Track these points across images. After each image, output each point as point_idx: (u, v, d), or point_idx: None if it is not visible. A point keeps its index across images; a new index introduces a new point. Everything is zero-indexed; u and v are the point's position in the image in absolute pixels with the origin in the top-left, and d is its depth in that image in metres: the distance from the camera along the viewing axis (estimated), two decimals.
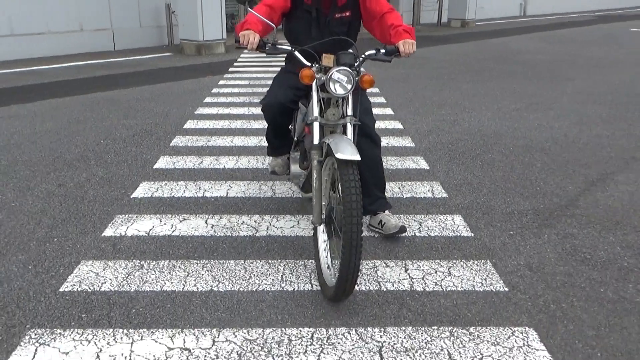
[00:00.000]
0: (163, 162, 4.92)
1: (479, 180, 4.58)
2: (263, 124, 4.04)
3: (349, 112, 2.95)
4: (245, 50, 2.71)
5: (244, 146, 5.44)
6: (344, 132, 2.95)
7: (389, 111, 6.97)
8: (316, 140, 2.91)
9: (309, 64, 2.96)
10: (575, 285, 3.03)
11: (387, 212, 3.59)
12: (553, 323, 2.69)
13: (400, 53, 2.97)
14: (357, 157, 2.53)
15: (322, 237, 2.99)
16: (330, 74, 2.75)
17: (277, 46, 2.94)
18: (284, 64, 3.64)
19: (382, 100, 7.59)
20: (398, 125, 6.31)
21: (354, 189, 2.49)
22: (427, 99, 7.75)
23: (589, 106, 7.34)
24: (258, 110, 4.40)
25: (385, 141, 5.54)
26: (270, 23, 2.96)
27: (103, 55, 12.11)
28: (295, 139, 3.69)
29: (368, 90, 3.33)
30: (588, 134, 6.02)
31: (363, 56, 2.98)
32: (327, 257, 2.91)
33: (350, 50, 2.96)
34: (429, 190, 4.33)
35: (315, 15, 3.26)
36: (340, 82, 2.76)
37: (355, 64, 2.85)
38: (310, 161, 2.99)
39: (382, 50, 3.01)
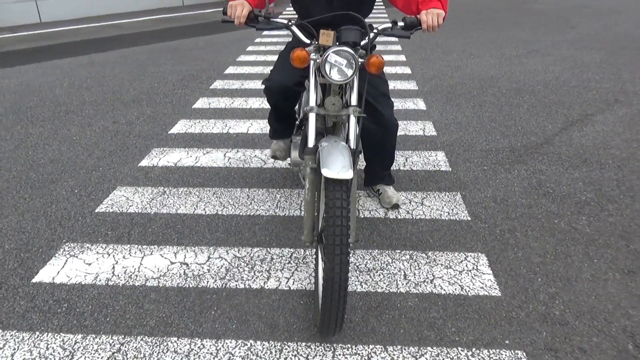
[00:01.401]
0: (201, 103, 4.81)
1: (467, 120, 4.27)
2: None
3: (353, 101, 2.02)
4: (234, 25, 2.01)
5: None
6: (347, 125, 2.05)
7: (402, 57, 6.56)
8: (311, 142, 1.97)
9: (307, 41, 2.07)
10: (532, 216, 2.81)
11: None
12: (504, 250, 2.51)
13: (423, 25, 2.02)
14: (348, 176, 1.70)
15: (320, 255, 2.01)
16: (325, 55, 1.88)
17: (272, 20, 2.05)
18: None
19: (398, 47, 7.14)
20: (407, 70, 5.93)
21: (340, 218, 1.67)
22: (438, 46, 7.24)
23: (585, 52, 6.69)
24: None
25: (392, 85, 5.24)
26: None
27: (173, 10, 11.87)
28: (298, 122, 2.83)
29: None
30: (579, 77, 5.49)
31: (375, 32, 2.03)
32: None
33: (356, 27, 1.96)
34: (421, 129, 4.07)
35: None
36: (338, 66, 1.89)
37: (362, 43, 1.96)
38: (304, 166, 1.97)
39: (400, 24, 2.04)
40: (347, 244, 1.68)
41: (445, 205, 2.92)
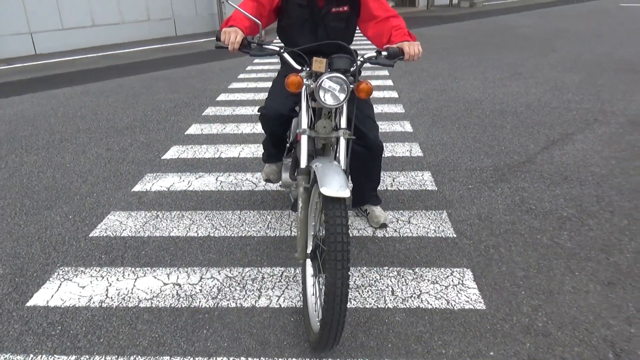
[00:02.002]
0: (193, 129, 4.90)
1: (453, 141, 4.38)
2: None
3: (343, 124, 2.12)
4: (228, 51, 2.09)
5: None
6: (337, 146, 2.15)
7: (389, 82, 6.72)
8: (303, 162, 2.07)
9: (299, 67, 2.16)
10: (516, 232, 2.88)
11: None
12: (489, 265, 2.57)
13: (405, 55, 2.14)
14: (347, 194, 1.77)
15: (309, 271, 2.17)
16: (320, 81, 1.96)
17: (264, 46, 2.11)
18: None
19: (385, 73, 7.32)
20: (394, 94, 6.07)
21: (340, 235, 1.73)
22: (424, 71, 7.42)
23: (566, 74, 6.88)
24: None
25: (380, 109, 5.36)
26: (257, 20, 2.16)
27: (166, 39, 12.08)
28: (288, 144, 2.90)
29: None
30: (559, 98, 5.65)
31: (361, 59, 2.12)
32: (313, 294, 2.11)
33: (346, 55, 2.06)
34: (407, 150, 4.17)
35: (308, 9, 2.44)
36: (331, 91, 1.98)
37: (352, 69, 2.05)
38: (297, 186, 2.09)
39: (384, 53, 2.15)
40: (347, 259, 1.74)
41: (431, 223, 2.99)
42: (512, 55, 8.42)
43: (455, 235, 2.84)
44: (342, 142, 2.08)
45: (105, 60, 9.27)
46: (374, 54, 2.15)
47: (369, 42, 8.56)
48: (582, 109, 5.21)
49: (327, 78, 1.96)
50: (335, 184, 1.79)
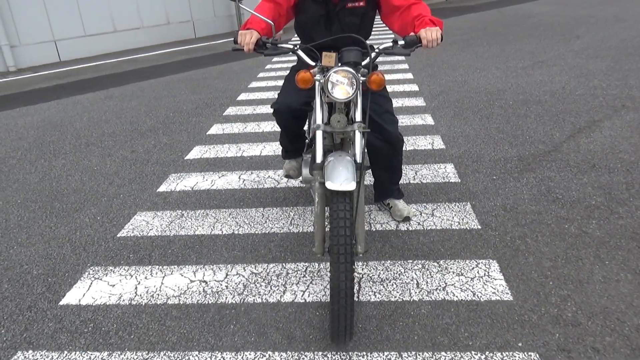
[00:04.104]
0: (215, 129, 4.96)
1: (475, 132, 4.33)
2: None
3: (357, 117, 2.09)
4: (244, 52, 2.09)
5: None
6: (354, 140, 2.11)
7: (409, 75, 6.67)
8: (319, 158, 2.06)
9: (312, 63, 2.17)
10: (542, 222, 2.84)
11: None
12: (515, 256, 2.54)
13: (422, 41, 2.10)
14: (351, 187, 1.79)
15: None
16: (328, 75, 1.98)
17: (278, 45, 2.15)
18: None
19: (405, 66, 7.27)
20: (415, 87, 6.03)
21: (344, 229, 1.75)
22: (444, 62, 7.34)
23: (591, 61, 6.72)
24: None
25: (400, 102, 5.33)
26: (269, 21, 2.20)
27: (185, 42, 12.22)
28: (308, 140, 2.89)
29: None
30: (585, 85, 5.52)
31: (376, 51, 2.10)
32: None
33: (357, 47, 2.07)
34: (429, 143, 4.14)
35: (323, 5, 2.44)
36: (340, 84, 1.99)
37: (363, 62, 2.06)
38: (314, 182, 2.09)
39: (401, 42, 2.13)
40: (351, 253, 1.74)
41: (455, 215, 2.96)
42: (533, 44, 8.26)
43: (480, 227, 2.82)
44: (358, 136, 2.07)
45: (126, 65, 9.44)
46: (389, 44, 2.13)
47: (389, 35, 8.34)
48: (609, 96, 5.08)
49: (334, 72, 1.97)
50: (341, 178, 1.81)
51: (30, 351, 2.10)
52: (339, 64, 2.01)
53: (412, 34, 2.16)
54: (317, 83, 2.11)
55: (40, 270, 2.70)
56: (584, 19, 10.70)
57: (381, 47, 2.14)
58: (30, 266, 2.75)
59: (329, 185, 1.79)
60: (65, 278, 2.61)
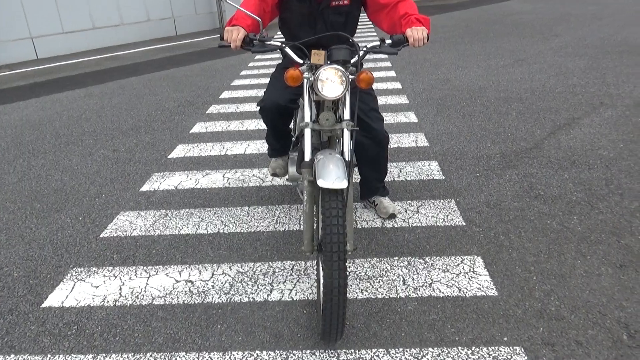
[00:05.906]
0: (198, 127, 4.91)
1: (458, 130, 4.37)
2: None
3: (346, 115, 2.08)
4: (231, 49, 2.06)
5: None
6: (342, 139, 2.13)
7: (392, 73, 6.70)
8: (307, 156, 2.05)
9: (300, 61, 2.14)
10: (525, 218, 2.88)
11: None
12: (499, 251, 2.58)
13: (409, 40, 2.11)
14: (342, 185, 1.78)
15: (321, 264, 2.07)
16: (317, 73, 1.94)
17: (266, 42, 2.11)
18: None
19: (388, 64, 7.29)
20: (397, 85, 6.06)
21: (337, 227, 1.74)
22: (427, 60, 7.39)
23: (570, 59, 6.84)
24: None
25: (384, 100, 5.35)
26: (257, 18, 2.17)
27: (166, 39, 12.08)
28: (294, 138, 2.90)
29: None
30: (564, 83, 5.62)
31: (363, 50, 2.11)
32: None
33: (345, 46, 2.06)
34: (413, 141, 4.17)
35: (306, 3, 2.44)
36: (329, 83, 1.96)
37: (352, 60, 2.05)
38: (302, 180, 2.08)
39: (388, 41, 2.14)
40: (344, 251, 1.74)
41: (440, 212, 2.99)
42: (514, 42, 8.37)
43: (464, 224, 2.84)
44: (346, 134, 2.06)
45: (107, 62, 9.29)
46: (377, 43, 2.14)
47: (372, 35, 8.36)
48: (588, 93, 5.18)
49: (324, 70, 1.94)
50: (332, 176, 1.80)
51: (12, 355, 2.05)
52: (328, 62, 2.00)
53: (399, 33, 2.18)
54: (305, 81, 2.10)
55: (21, 272, 2.65)
56: (562, 17, 10.87)
57: (369, 46, 2.13)
58: (11, 268, 2.69)
59: (321, 183, 1.78)
60: (47, 280, 2.56)
